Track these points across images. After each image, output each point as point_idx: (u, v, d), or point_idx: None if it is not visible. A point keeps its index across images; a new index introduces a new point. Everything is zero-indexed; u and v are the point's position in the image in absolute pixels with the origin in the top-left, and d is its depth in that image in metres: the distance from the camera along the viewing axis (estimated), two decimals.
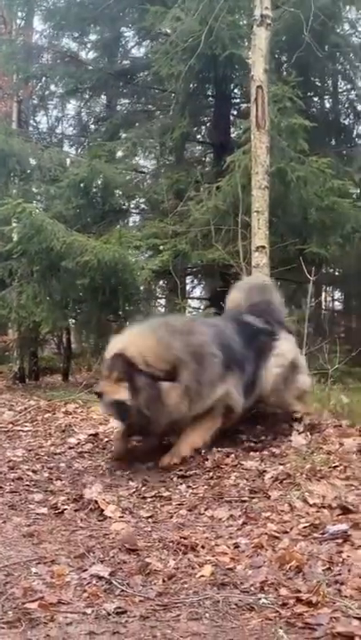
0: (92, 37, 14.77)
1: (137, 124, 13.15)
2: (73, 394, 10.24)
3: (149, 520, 3.99)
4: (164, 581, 3.02)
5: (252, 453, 5.26)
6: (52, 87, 13.95)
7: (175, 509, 4.18)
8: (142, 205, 12.18)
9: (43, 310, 10.55)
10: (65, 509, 4.16)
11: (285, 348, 5.76)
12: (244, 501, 4.21)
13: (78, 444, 6.18)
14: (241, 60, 11.04)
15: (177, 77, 10.99)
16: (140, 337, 5.26)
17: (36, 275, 10.61)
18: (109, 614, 2.70)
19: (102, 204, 11.78)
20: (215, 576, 3.05)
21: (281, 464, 4.97)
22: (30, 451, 6.16)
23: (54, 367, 16.19)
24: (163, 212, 11.29)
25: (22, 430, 7.44)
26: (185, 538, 3.57)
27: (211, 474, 4.94)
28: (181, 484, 4.78)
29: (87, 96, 14.22)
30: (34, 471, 5.30)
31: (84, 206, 11.61)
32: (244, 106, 12.62)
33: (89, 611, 2.73)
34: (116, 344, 5.21)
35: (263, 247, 6.90)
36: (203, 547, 3.42)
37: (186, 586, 2.96)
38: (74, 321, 12.44)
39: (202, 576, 3.05)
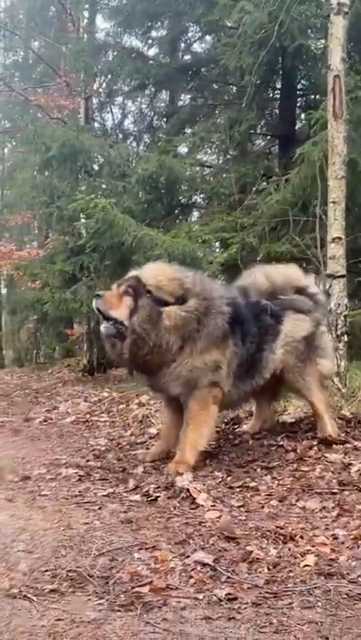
0: (157, 33, 14.85)
1: (202, 119, 13.17)
2: (143, 386, 10.37)
3: (241, 509, 4.04)
4: (269, 570, 3.06)
5: (335, 447, 5.25)
6: (119, 84, 14.03)
7: (265, 500, 4.21)
8: (209, 200, 12.18)
9: None
10: (157, 497, 4.24)
11: (293, 325, 5.46)
12: (335, 493, 4.23)
13: (158, 434, 6.26)
14: (309, 51, 10.95)
15: (245, 70, 10.95)
16: (158, 266, 5.38)
17: (108, 269, 10.73)
18: (221, 600, 2.76)
19: (170, 199, 11.84)
20: (319, 566, 3.08)
21: None
22: (112, 440, 6.31)
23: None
24: (230, 205, 11.29)
25: (100, 420, 7.62)
26: (281, 528, 3.60)
27: (295, 465, 4.97)
28: (266, 475, 4.81)
29: (152, 92, 14.25)
30: (119, 459, 5.43)
31: (152, 201, 11.67)
32: (311, 97, 12.50)
33: (200, 596, 2.79)
34: (135, 270, 5.24)
35: (340, 238, 6.83)
36: (301, 537, 3.44)
37: (292, 575, 2.99)
38: None
39: (306, 565, 3.07)
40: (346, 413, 6.09)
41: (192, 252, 9.77)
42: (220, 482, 4.67)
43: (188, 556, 3.26)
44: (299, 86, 13.19)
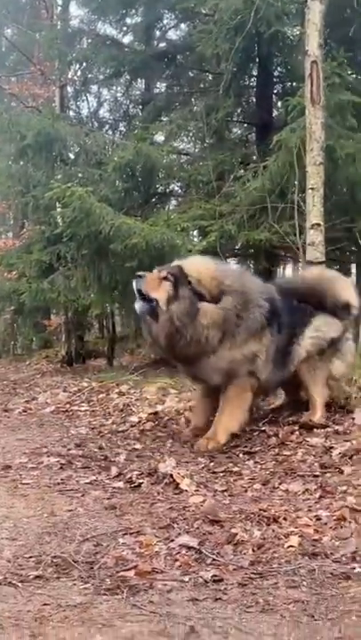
0: (131, 21, 14.71)
1: (178, 106, 13.09)
2: (123, 376, 10.36)
3: (225, 493, 4.06)
4: (253, 551, 3.07)
5: (315, 430, 5.28)
6: (94, 71, 13.89)
7: (248, 483, 4.23)
8: (186, 187, 12.13)
9: (92, 293, 10.63)
10: (141, 483, 4.24)
11: (323, 324, 5.63)
12: (317, 476, 4.25)
13: (139, 422, 6.28)
14: (285, 37, 10.93)
15: (222, 57, 10.92)
16: (202, 260, 5.54)
17: (85, 258, 10.67)
18: (207, 582, 2.76)
19: (147, 187, 11.78)
20: (303, 547, 3.09)
21: (347, 441, 5.00)
22: (93, 429, 6.29)
23: (98, 351, 16.31)
24: (207, 193, 11.25)
25: (80, 410, 7.59)
26: (264, 510, 3.61)
27: (276, 450, 5.00)
28: (248, 459, 4.84)
29: (128, 79, 14.12)
30: (100, 448, 5.41)
31: (128, 190, 11.61)
32: (288, 85, 12.50)
33: (186, 579, 2.80)
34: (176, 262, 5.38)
35: (318, 225, 6.86)
36: (285, 519, 3.46)
37: (276, 555, 3.01)
38: (118, 305, 12.49)
39: (290, 546, 3.09)
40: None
41: (170, 239, 9.73)
42: (203, 467, 4.69)
43: (172, 540, 3.26)
44: (275, 73, 13.15)
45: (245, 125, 14.31)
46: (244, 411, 5.31)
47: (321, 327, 5.61)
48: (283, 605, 2.51)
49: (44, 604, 2.56)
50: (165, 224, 9.94)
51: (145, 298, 5.11)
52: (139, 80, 14.27)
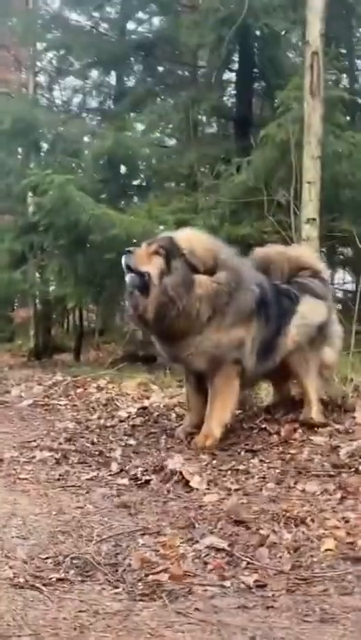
0: (109, 10, 14.45)
1: (157, 98, 12.89)
2: (96, 370, 10.10)
3: (239, 492, 3.84)
4: (290, 554, 2.86)
5: (318, 429, 5.11)
6: (70, 60, 13.58)
7: (261, 482, 4.02)
8: (166, 180, 11.91)
9: (68, 285, 10.35)
10: (148, 480, 4.01)
11: (309, 309, 5.34)
12: (333, 476, 4.06)
13: (129, 417, 6.03)
14: (273, 32, 10.78)
15: (206, 49, 10.75)
16: (194, 232, 5.19)
17: (62, 249, 10.38)
18: (250, 588, 2.55)
19: (126, 178, 11.54)
20: (341, 550, 2.90)
21: (352, 440, 4.84)
22: (80, 423, 6.02)
23: (64, 345, 16.00)
24: (189, 186, 11.07)
25: (59, 404, 7.30)
26: (287, 510, 3.41)
27: (280, 448, 4.80)
28: (252, 458, 4.62)
29: (104, 69, 13.81)
30: (93, 442, 5.15)
31: (107, 180, 11.36)
32: (272, 80, 12.33)
33: (227, 584, 2.58)
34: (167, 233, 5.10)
35: (314, 219, 6.71)
36: (312, 520, 3.26)
37: (315, 559, 2.81)
38: (93, 298, 12.20)
39: (328, 550, 2.89)
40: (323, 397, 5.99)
41: (152, 232, 9.49)
42: (207, 465, 4.45)
43: (196, 542, 3.04)
44: (255, 70, 13.02)
45: (222, 121, 14.16)
46: (234, 400, 5.01)
47: (307, 314, 5.31)
48: (342, 614, 2.30)
49: (80, 611, 2.32)
50: (147, 216, 9.70)
51: (135, 272, 4.77)
52: (116, 70, 13.92)
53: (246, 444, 4.95)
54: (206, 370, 4.95)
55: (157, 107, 12.06)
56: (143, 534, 3.16)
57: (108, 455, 4.73)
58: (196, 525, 3.23)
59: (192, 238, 4.90)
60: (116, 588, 2.58)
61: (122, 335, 13.45)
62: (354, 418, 5.37)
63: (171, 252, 4.71)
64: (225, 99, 13.23)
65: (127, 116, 11.73)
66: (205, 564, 2.81)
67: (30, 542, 3.02)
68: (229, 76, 13.48)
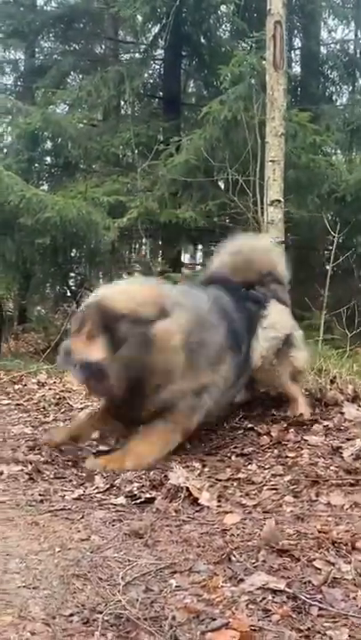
0: None
1: (84, 73, 12.18)
2: (27, 364, 9.42)
3: (257, 509, 3.35)
4: None
5: (311, 428, 4.70)
6: None
7: (275, 496, 3.55)
8: (97, 159, 11.23)
9: None
10: (150, 499, 3.46)
11: (278, 319, 4.92)
12: (353, 485, 3.64)
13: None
14: (209, 6, 10.30)
15: (140, 22, 10.17)
16: (122, 285, 4.53)
17: None
18: None
19: (55, 158, 10.81)
20: None
21: (349, 439, 4.47)
22: (36, 427, 5.40)
23: None
24: (124, 167, 10.47)
25: (1, 404, 6.63)
26: (325, 532, 2.95)
27: (275, 451, 4.36)
28: (248, 463, 4.17)
29: (29, 40, 12.94)
30: (60, 451, 4.54)
31: (34, 159, 10.60)
32: (203, 56, 11.88)
33: None
34: (90, 297, 4.28)
35: (279, 201, 6.29)
36: None
37: None
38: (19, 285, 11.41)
39: None
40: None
41: (87, 215, 8.89)
42: (200, 474, 3.96)
43: (241, 580, 2.54)
44: (185, 48, 12.49)
45: (150, 100, 13.58)
46: (165, 450, 4.15)
47: (275, 324, 4.87)
48: None
49: None
50: (82, 197, 9.06)
51: (82, 365, 3.92)
52: (41, 42, 13.11)
53: (235, 447, 4.50)
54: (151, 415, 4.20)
55: (85, 83, 11.34)
56: (173, 572, 2.63)
57: (82, 465, 4.16)
58: (233, 558, 2.72)
59: (124, 293, 4.19)
60: None
61: (46, 325, 12.77)
62: (342, 414, 5.01)
63: (109, 322, 3.94)
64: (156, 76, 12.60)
65: (55, 90, 10.95)
66: (266, 611, 2.31)
67: (43, 593, 2.43)
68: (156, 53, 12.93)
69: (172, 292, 4.38)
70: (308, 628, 2.18)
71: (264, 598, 2.40)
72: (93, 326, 3.95)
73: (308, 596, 2.39)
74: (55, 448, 4.37)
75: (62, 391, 7.06)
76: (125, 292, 4.21)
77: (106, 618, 2.27)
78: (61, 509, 3.36)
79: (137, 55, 12.54)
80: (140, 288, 4.35)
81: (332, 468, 3.96)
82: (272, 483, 3.76)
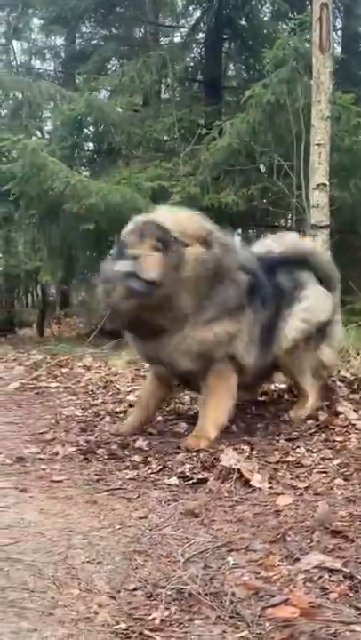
0: None
1: (130, 59, 12.20)
2: (71, 348, 9.59)
3: (309, 491, 3.42)
4: None
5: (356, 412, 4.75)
6: (30, 15, 12.75)
7: (326, 479, 3.60)
8: (140, 145, 11.28)
9: (42, 258, 9.72)
10: (202, 479, 3.55)
11: (316, 303, 4.81)
12: None
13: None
14: None
15: (181, 6, 10.17)
16: (177, 209, 4.74)
17: (34, 219, 9.72)
18: None
19: (98, 144, 10.90)
20: None
21: None
22: (85, 409, 5.53)
23: (24, 320, 15.39)
24: (167, 152, 10.51)
25: (50, 387, 6.81)
26: None
27: (323, 435, 4.42)
28: (296, 447, 4.21)
29: (71, 26, 12.99)
30: (112, 434, 4.66)
31: (78, 145, 10.70)
32: (246, 40, 11.82)
33: None
34: (139, 216, 4.32)
35: (324, 185, 6.28)
36: None
37: None
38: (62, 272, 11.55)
39: None
40: (346, 375, 5.64)
41: (132, 200, 8.96)
42: (249, 456, 4.02)
43: (297, 559, 2.60)
44: (226, 29, 12.44)
45: (192, 84, 13.56)
46: (230, 399, 4.39)
47: (312, 308, 4.77)
48: None
49: None
50: (127, 183, 9.13)
51: (144, 280, 3.97)
52: (83, 27, 13.16)
53: (282, 432, 4.56)
54: (196, 370, 4.33)
55: (127, 68, 11.38)
56: (229, 550, 2.71)
57: (136, 447, 4.26)
58: (288, 538, 2.79)
59: (179, 218, 4.27)
60: (237, 629, 2.13)
61: (86, 309, 12.92)
62: None
63: (165, 243, 4.03)
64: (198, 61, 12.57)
65: (95, 76, 11.02)
66: (324, 589, 2.38)
67: (106, 568, 2.53)
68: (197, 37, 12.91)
69: (215, 229, 4.38)
70: None
71: (321, 577, 2.46)
72: (153, 241, 4.02)
73: None
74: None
75: (108, 374, 7.20)
76: (181, 218, 4.27)
77: (168, 592, 2.35)
78: (118, 488, 3.46)
79: (177, 39, 12.50)
80: (193, 216, 4.37)
81: None
82: (321, 466, 3.82)
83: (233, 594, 2.36)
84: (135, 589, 2.39)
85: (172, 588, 2.38)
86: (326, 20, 6.16)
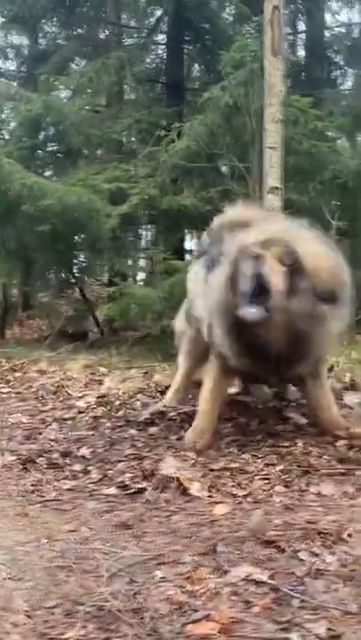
0: None
1: (86, 59, 12.10)
2: (28, 352, 9.45)
3: (248, 499, 3.36)
4: (345, 585, 2.40)
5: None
6: None
7: (267, 486, 3.56)
8: (99, 147, 11.17)
9: None
10: (141, 489, 3.48)
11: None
12: (344, 474, 3.65)
13: (88, 407, 5.49)
14: None
15: (142, 7, 10.10)
16: (302, 235, 4.04)
17: None
18: None
19: (57, 145, 10.77)
20: None
21: None
22: (33, 416, 5.44)
23: None
24: (125, 153, 10.42)
25: (1, 392, 6.68)
26: (312, 523, 2.96)
27: (270, 440, 4.36)
28: (241, 452, 4.16)
29: (24, 27, 12.80)
30: (56, 440, 4.59)
31: (36, 147, 10.57)
32: (206, 43, 11.78)
33: (294, 637, 2.08)
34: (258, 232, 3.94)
35: (277, 188, 6.25)
36: (349, 535, 2.81)
37: None
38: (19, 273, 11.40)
39: None
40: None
41: (89, 202, 8.87)
42: (194, 463, 3.95)
43: (226, 572, 2.54)
44: (186, 32, 12.38)
45: (152, 85, 13.49)
46: None
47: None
48: None
49: None
50: (83, 185, 9.04)
51: (264, 284, 3.65)
52: (42, 28, 13.01)
53: (228, 436, 4.49)
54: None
55: (86, 69, 11.27)
56: (158, 564, 2.64)
57: (77, 455, 4.18)
58: (219, 549, 2.73)
59: (317, 254, 3.88)
60: None
61: (49, 311, 12.77)
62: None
63: (293, 261, 3.71)
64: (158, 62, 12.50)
65: (56, 77, 10.89)
66: (248, 603, 2.32)
67: (27, 585, 2.45)
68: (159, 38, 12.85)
69: (342, 264, 4.09)
70: (288, 620, 2.18)
71: (247, 589, 2.41)
72: (280, 252, 3.73)
73: (290, 587, 2.39)
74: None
75: (62, 379, 7.10)
76: (319, 255, 3.92)
77: (88, 610, 2.28)
78: (52, 500, 3.39)
79: (140, 40, 12.41)
80: (329, 257, 4.00)
81: (325, 457, 3.96)
82: (264, 472, 3.77)
83: (155, 610, 2.30)
84: (54, 607, 2.31)
85: (92, 605, 2.30)
86: (278, 22, 6.13)
